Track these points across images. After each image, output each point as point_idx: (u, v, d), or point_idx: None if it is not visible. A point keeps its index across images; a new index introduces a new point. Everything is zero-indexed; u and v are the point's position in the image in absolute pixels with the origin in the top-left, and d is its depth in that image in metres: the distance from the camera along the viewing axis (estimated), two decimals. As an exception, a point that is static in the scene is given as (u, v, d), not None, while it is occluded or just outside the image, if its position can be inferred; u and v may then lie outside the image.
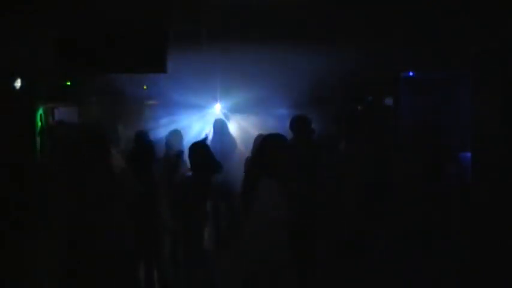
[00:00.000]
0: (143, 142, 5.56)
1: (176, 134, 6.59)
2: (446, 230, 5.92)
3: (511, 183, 6.01)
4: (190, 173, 4.96)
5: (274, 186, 3.53)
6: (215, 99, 9.91)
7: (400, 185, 6.95)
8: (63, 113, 11.38)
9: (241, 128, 8.88)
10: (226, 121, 7.41)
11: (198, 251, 4.92)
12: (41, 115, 10.38)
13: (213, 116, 9.71)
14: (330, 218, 5.57)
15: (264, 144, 3.69)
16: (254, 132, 6.32)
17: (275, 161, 3.59)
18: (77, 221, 4.07)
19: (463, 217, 6.23)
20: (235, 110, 10.12)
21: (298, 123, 5.56)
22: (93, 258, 4.05)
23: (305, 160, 5.34)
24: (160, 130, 7.17)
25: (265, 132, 5.65)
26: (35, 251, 6.00)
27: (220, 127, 7.49)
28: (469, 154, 7.02)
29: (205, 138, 5.33)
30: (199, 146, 5.07)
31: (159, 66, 5.69)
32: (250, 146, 5.63)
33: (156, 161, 5.47)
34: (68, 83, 10.28)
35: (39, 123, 10.26)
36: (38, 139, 10.02)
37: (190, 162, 5.01)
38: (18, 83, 9.03)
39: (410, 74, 9.29)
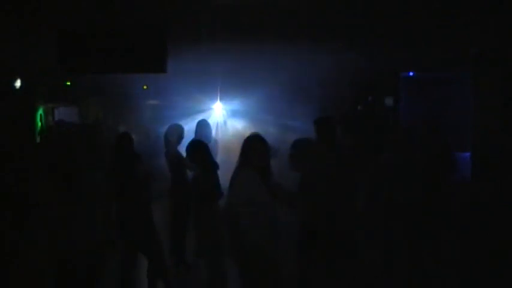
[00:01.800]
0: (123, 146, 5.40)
1: (176, 129, 6.40)
2: (446, 229, 5.91)
3: (511, 182, 6.02)
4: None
5: (255, 177, 3.75)
6: (215, 99, 9.92)
7: (400, 185, 6.94)
8: (63, 113, 11.38)
9: (238, 133, 8.86)
10: (210, 125, 7.06)
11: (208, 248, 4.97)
12: (41, 115, 10.39)
13: (214, 115, 9.72)
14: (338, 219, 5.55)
15: (245, 143, 3.97)
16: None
17: (255, 158, 3.85)
18: (72, 220, 4.08)
19: (462, 216, 6.22)
20: (235, 112, 10.13)
21: (322, 124, 5.49)
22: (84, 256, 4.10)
23: (331, 163, 5.29)
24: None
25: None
26: (34, 250, 5.99)
27: (202, 130, 6.64)
28: (468, 154, 7.03)
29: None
30: (200, 145, 5.20)
31: (159, 66, 5.68)
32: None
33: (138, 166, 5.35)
34: (68, 83, 10.30)
35: (39, 123, 10.27)
36: (38, 139, 10.03)
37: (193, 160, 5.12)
38: (18, 83, 9.04)
39: (410, 74, 9.29)
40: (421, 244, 5.49)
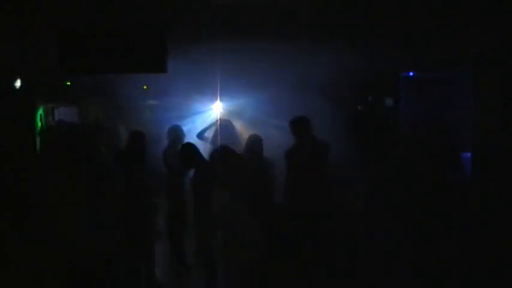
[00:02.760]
0: (136, 144, 5.46)
1: (175, 130, 6.57)
2: (446, 229, 5.92)
3: (511, 182, 6.01)
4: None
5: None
6: (215, 99, 9.90)
7: (400, 185, 6.94)
8: (63, 113, 11.37)
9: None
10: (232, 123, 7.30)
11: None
12: (41, 115, 10.37)
13: (214, 115, 9.71)
14: (333, 220, 5.55)
15: (212, 156, 4.00)
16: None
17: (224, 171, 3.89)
18: (71, 222, 4.09)
19: (462, 216, 6.23)
20: (234, 112, 10.10)
21: (298, 125, 5.54)
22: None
23: (309, 163, 5.32)
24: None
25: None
26: (34, 250, 5.99)
27: (226, 128, 7.35)
28: (469, 154, 7.02)
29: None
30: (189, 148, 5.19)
31: (159, 66, 5.68)
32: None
33: (144, 162, 5.38)
34: (68, 83, 10.28)
35: (39, 123, 10.26)
36: (38, 139, 10.02)
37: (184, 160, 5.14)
38: (18, 83, 9.03)
39: (410, 74, 9.29)
40: (421, 244, 5.50)
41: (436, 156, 5.49)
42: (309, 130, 5.54)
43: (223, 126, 7.12)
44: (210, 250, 4.96)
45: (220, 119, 7.10)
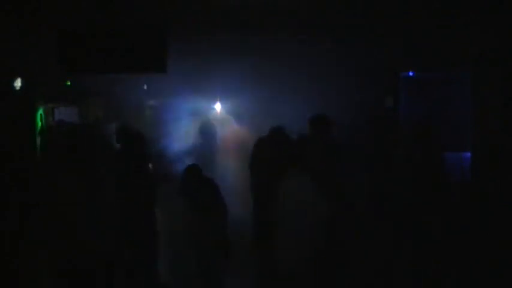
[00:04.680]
0: (136, 145, 5.29)
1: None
2: (445, 229, 5.92)
3: (511, 182, 6.02)
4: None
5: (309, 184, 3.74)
6: (215, 99, 9.91)
7: (400, 185, 6.94)
8: (63, 113, 11.37)
9: (237, 133, 8.83)
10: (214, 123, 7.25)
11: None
12: (41, 115, 10.38)
13: (214, 115, 9.72)
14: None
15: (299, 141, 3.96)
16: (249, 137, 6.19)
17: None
18: (72, 220, 4.09)
19: (463, 216, 6.23)
20: (234, 112, 10.10)
21: (319, 122, 5.48)
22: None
23: (325, 159, 5.31)
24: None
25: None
26: (34, 251, 6.00)
27: (208, 130, 7.11)
28: (468, 154, 7.03)
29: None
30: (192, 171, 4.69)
31: (159, 66, 5.68)
32: (245, 150, 5.58)
33: (145, 162, 5.26)
34: (68, 83, 10.29)
35: (39, 123, 10.26)
36: (38, 139, 10.02)
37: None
38: (18, 83, 9.03)
39: (410, 74, 9.30)
40: (421, 244, 5.50)
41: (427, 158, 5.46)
42: (329, 129, 5.46)
43: (205, 126, 7.01)
44: (210, 264, 4.85)
45: (202, 121, 6.94)
